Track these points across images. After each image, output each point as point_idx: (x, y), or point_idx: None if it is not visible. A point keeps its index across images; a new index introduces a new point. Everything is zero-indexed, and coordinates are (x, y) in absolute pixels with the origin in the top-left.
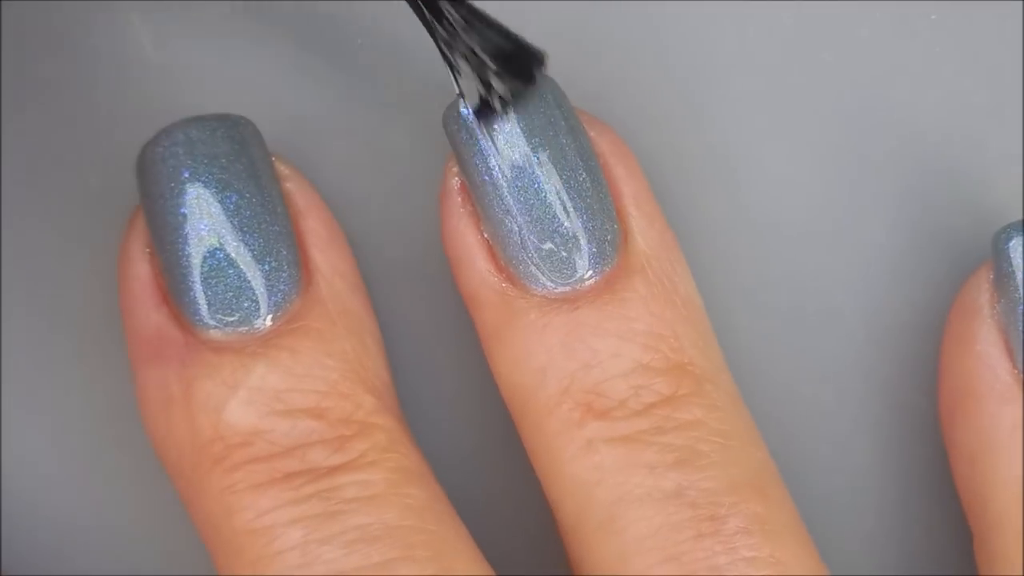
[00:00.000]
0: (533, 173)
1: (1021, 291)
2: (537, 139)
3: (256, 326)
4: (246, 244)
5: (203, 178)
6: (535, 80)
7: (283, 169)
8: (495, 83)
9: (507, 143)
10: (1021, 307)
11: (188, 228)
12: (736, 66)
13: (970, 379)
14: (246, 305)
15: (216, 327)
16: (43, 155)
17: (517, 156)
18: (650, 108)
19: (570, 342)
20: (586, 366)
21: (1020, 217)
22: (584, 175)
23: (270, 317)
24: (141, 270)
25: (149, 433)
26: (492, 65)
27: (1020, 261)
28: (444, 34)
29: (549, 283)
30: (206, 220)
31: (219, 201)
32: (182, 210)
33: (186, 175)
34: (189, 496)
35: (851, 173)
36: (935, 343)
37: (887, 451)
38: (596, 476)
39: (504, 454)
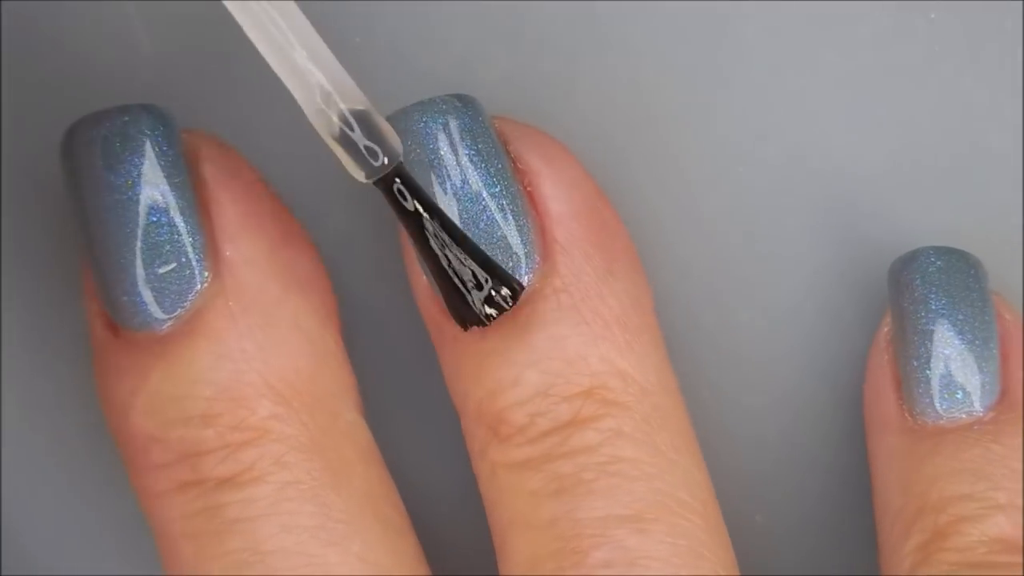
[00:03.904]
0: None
1: (905, 324)
2: (434, 175)
3: (154, 328)
4: (140, 247)
5: (97, 181)
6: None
7: (204, 150)
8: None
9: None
10: (905, 339)
11: (92, 230)
12: (736, 66)
13: (868, 408)
14: (143, 308)
15: (125, 328)
16: (43, 155)
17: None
18: (650, 108)
19: (479, 371)
20: (491, 394)
21: (1004, 223)
22: (485, 206)
23: (169, 322)
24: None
25: None
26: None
27: (902, 294)
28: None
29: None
30: (106, 221)
31: (117, 202)
32: (84, 214)
33: (81, 177)
34: None
35: (851, 172)
36: None
37: None
38: (496, 499)
39: None
